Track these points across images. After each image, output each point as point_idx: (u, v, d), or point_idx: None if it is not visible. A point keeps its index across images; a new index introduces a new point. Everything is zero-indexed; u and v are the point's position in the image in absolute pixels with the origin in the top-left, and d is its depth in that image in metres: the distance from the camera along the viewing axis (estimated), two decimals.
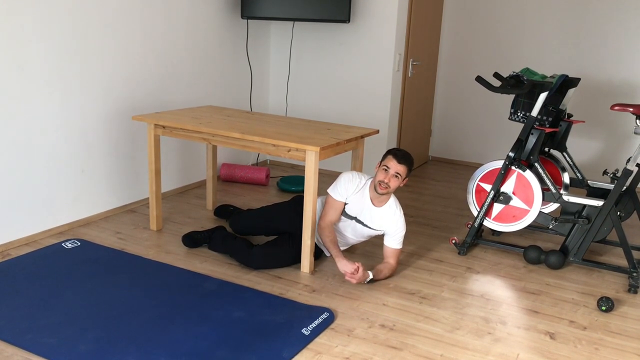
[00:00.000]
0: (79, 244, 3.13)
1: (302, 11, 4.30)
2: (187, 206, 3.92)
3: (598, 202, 3.05)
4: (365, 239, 3.08)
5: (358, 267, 2.73)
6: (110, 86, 3.47)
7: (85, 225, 3.44)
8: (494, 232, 3.62)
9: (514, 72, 3.20)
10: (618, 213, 3.05)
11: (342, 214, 2.95)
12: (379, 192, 2.82)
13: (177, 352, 2.16)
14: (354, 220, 2.95)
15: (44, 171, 3.16)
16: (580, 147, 5.05)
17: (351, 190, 2.89)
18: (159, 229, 3.45)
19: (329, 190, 2.94)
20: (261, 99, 5.03)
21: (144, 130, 3.78)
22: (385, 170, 2.79)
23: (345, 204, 2.92)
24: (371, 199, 2.90)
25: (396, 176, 2.78)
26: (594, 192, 3.38)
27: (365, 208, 2.91)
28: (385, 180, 2.78)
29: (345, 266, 2.76)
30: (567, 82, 3.25)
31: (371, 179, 2.93)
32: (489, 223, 3.31)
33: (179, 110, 3.51)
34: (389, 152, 2.84)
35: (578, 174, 3.45)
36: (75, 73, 3.23)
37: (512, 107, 3.29)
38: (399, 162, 2.78)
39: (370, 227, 2.94)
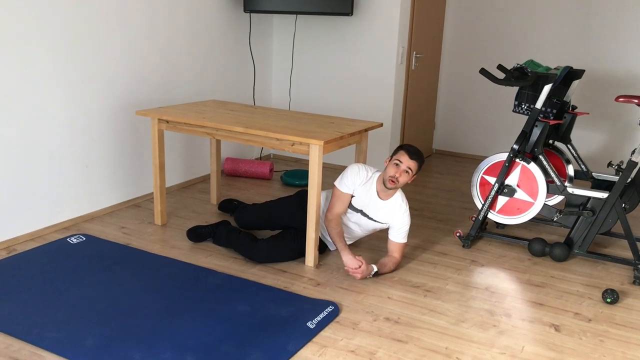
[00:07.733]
0: (84, 239, 3.14)
1: (305, 4, 4.29)
2: (192, 201, 3.92)
3: (603, 194, 3.05)
4: (370, 232, 3.08)
5: (361, 263, 2.74)
6: (114, 81, 3.47)
7: (89, 220, 3.45)
8: (498, 224, 3.62)
9: (518, 64, 3.18)
10: (623, 205, 3.04)
11: (348, 207, 2.95)
12: (387, 187, 2.81)
13: (182, 346, 2.17)
14: (359, 213, 2.95)
15: (48, 167, 3.17)
16: (585, 139, 5.03)
17: (358, 182, 2.89)
18: (164, 223, 3.46)
19: (335, 183, 2.94)
20: (264, 92, 5.02)
21: (148, 125, 3.79)
22: (397, 164, 2.79)
23: (352, 196, 2.92)
24: (378, 192, 2.89)
25: (407, 171, 2.78)
26: (598, 184, 3.37)
27: (372, 201, 2.91)
28: (396, 175, 2.77)
29: (349, 261, 2.77)
30: (571, 74, 3.23)
31: (378, 172, 2.93)
32: (493, 216, 3.31)
33: (183, 105, 3.51)
34: (402, 147, 2.83)
35: (582, 166, 3.44)
36: (79, 68, 3.23)
37: (516, 100, 3.28)
38: (411, 157, 2.78)
39: (375, 220, 2.94)
